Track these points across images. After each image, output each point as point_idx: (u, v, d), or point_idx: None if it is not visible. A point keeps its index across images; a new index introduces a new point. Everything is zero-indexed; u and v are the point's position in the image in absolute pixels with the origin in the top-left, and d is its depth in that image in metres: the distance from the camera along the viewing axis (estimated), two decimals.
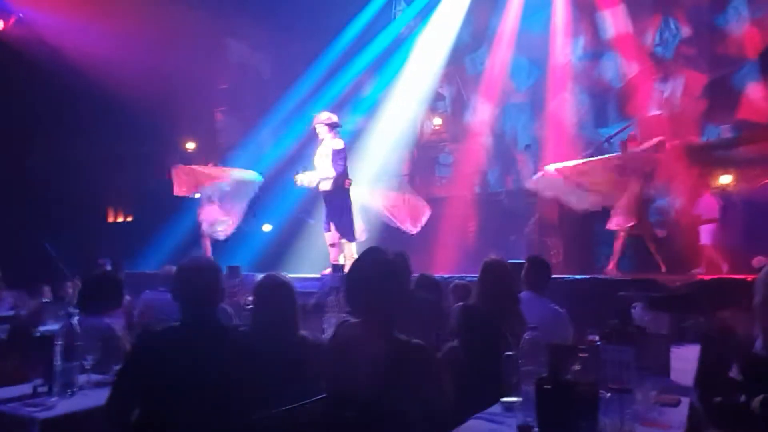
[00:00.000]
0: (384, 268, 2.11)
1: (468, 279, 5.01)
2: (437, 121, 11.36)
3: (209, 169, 9.14)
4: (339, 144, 7.01)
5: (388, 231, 8.95)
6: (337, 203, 7.07)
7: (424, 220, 8.92)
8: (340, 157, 6.92)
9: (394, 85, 10.71)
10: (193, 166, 9.11)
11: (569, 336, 3.55)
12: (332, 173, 6.96)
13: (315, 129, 7.15)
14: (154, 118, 9.87)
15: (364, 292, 2.12)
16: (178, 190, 8.82)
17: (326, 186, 7.08)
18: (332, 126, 7.10)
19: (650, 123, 9.17)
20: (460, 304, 3.32)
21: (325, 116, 7.18)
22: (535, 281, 3.81)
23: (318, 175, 7.05)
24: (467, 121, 11.26)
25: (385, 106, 10.72)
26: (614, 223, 7.39)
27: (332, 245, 7.14)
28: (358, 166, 8.86)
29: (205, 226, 8.99)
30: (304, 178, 7.09)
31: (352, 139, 9.66)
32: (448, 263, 8.75)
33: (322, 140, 7.12)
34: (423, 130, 11.44)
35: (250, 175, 9.25)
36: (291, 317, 2.58)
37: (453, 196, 10.51)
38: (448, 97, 11.45)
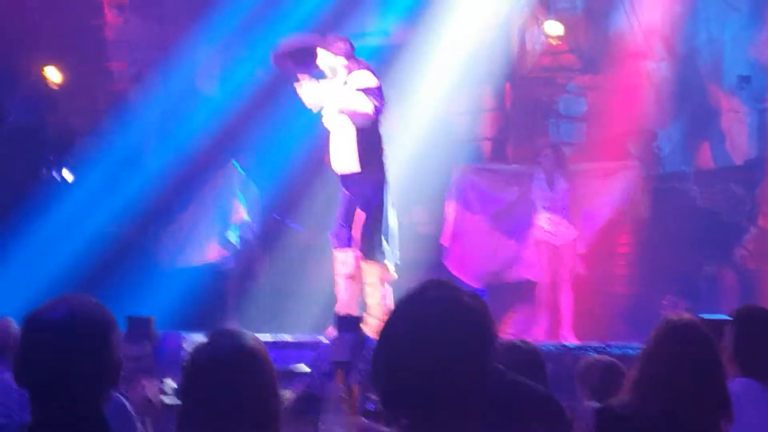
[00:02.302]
0: (460, 323, 2.08)
1: (614, 352, 5.59)
2: (554, 28, 11.17)
3: None
4: (370, 78, 7.41)
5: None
6: (371, 194, 7.40)
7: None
8: (379, 98, 7.44)
9: None
10: None
11: None
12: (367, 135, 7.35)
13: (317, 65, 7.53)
14: None
15: (420, 372, 2.03)
16: None
17: (351, 162, 7.37)
18: (349, 55, 7.48)
19: None
20: (596, 405, 3.49)
21: (336, 51, 7.52)
22: (754, 358, 3.80)
23: (338, 140, 7.42)
24: (617, 29, 11.10)
25: (445, 2, 10.59)
26: None
27: (350, 277, 7.52)
28: (387, 116, 9.11)
29: None
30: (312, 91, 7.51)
31: (379, 64, 9.49)
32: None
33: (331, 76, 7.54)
34: (525, 47, 11.48)
35: None
36: (266, 421, 2.55)
37: None
38: None
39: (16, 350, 2.47)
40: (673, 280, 9.35)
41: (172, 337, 6.54)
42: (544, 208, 8.98)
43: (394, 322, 2.15)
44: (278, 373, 2.77)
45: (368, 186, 7.47)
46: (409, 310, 2.14)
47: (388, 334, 2.13)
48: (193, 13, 10.80)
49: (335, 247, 7.58)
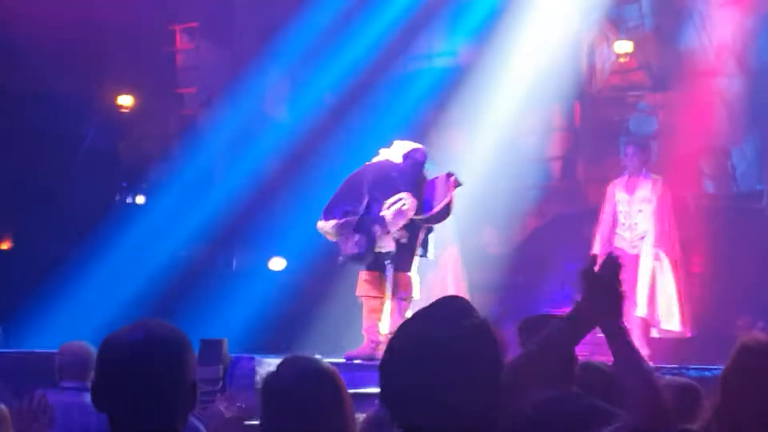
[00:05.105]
0: (460, 344, 2.09)
1: (690, 375, 5.61)
2: (624, 47, 11.12)
3: None
4: None
5: None
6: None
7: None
8: None
9: None
10: None
11: None
12: None
13: None
14: (54, 54, 10.16)
15: (417, 389, 2.09)
16: None
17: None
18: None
19: None
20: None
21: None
22: None
23: None
24: (687, 46, 11.16)
25: (513, 22, 10.71)
26: None
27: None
28: (456, 137, 9.59)
29: None
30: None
31: (447, 85, 10.03)
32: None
33: None
34: (594, 66, 11.54)
35: None
36: None
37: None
38: (647, 0, 11.46)
39: (94, 374, 2.49)
40: (748, 300, 9.21)
41: (245, 360, 6.53)
42: (620, 212, 8.21)
43: (400, 337, 2.18)
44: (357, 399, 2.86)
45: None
46: (414, 328, 2.16)
47: (393, 348, 2.15)
48: (262, 38, 10.96)
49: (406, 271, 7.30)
